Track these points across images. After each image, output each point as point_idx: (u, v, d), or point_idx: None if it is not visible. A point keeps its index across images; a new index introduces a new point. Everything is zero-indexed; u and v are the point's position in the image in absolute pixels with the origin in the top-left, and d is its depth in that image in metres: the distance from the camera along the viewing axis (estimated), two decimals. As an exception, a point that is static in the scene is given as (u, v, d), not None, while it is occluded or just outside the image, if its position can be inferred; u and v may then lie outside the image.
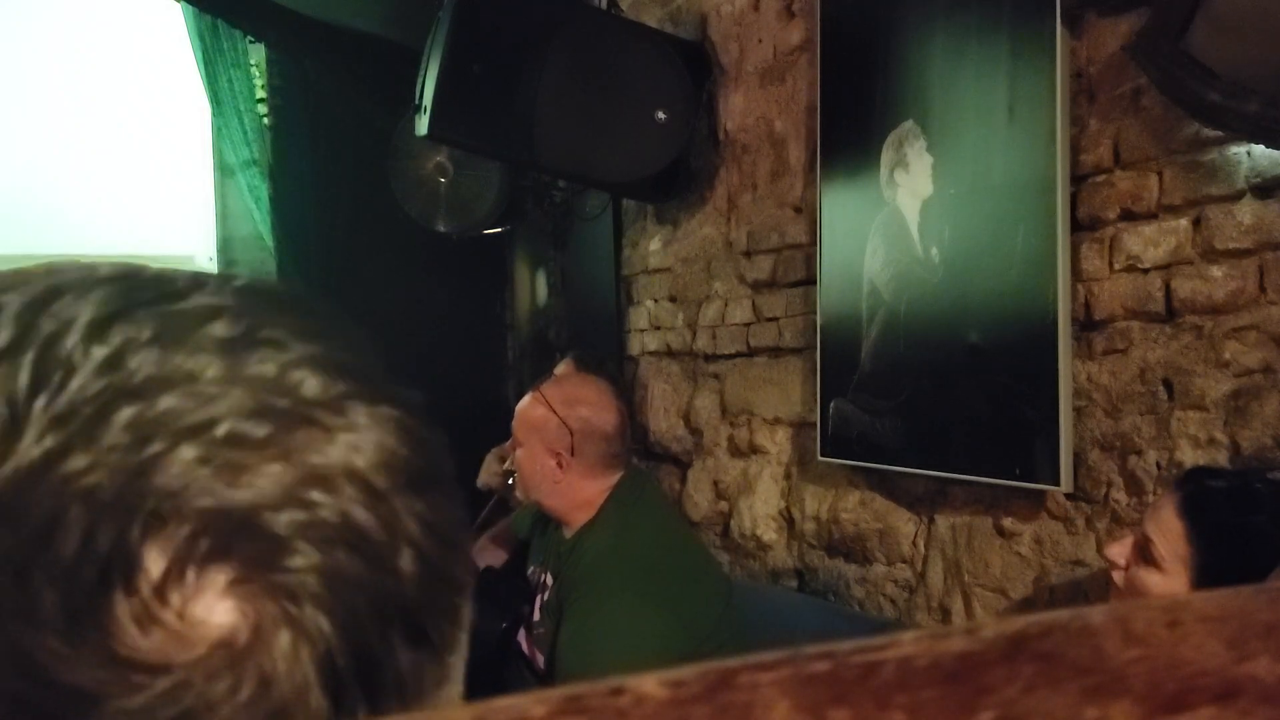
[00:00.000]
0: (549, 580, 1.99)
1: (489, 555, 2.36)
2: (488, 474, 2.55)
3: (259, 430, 0.33)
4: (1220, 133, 1.62)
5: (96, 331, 0.33)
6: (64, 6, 3.68)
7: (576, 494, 1.91)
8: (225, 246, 3.89)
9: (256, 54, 3.78)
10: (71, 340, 0.33)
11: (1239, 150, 1.62)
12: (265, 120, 3.80)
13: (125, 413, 0.32)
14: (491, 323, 4.25)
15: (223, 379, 0.33)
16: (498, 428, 2.03)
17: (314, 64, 3.75)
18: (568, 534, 1.96)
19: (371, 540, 0.34)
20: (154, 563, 0.31)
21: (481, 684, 0.34)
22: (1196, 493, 1.40)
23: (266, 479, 0.32)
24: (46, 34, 3.66)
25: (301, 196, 3.80)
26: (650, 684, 0.22)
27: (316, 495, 0.33)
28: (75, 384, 0.32)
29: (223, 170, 3.86)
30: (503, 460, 2.29)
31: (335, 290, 3.79)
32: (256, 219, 3.82)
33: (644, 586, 1.80)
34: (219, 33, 3.68)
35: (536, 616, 2.00)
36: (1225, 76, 1.51)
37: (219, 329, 0.34)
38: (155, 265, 0.38)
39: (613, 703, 0.21)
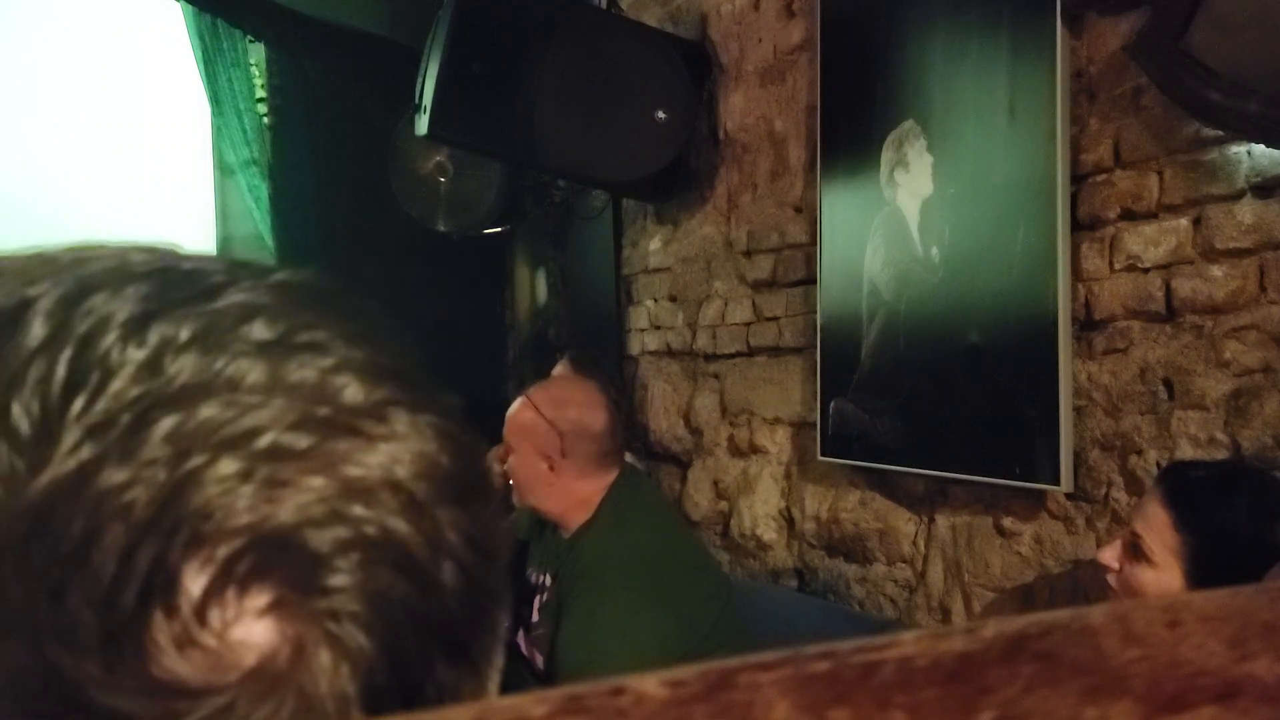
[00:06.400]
0: (548, 581, 1.99)
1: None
2: None
3: (301, 441, 0.32)
4: (1220, 132, 1.62)
5: (134, 331, 0.32)
6: (64, 6, 3.68)
7: (570, 495, 1.91)
8: (225, 246, 3.89)
9: (256, 54, 3.78)
10: (108, 340, 0.31)
11: (1239, 150, 1.62)
12: (265, 120, 3.80)
13: (165, 423, 0.30)
14: (491, 323, 4.24)
15: (263, 386, 0.32)
16: (498, 428, 2.03)
17: (314, 64, 3.75)
18: (565, 535, 1.96)
19: (413, 554, 0.33)
20: (194, 583, 0.30)
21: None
22: (1179, 483, 1.45)
23: (308, 494, 0.31)
24: (47, 34, 3.65)
25: (301, 196, 3.79)
26: (650, 684, 0.22)
27: (358, 510, 0.32)
28: (113, 388, 0.31)
29: (223, 170, 3.86)
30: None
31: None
32: (256, 219, 3.82)
33: (643, 586, 1.80)
34: (219, 32, 3.68)
35: (535, 618, 2.00)
36: (1225, 76, 1.51)
37: (257, 330, 0.33)
38: (188, 253, 0.36)
39: (613, 702, 0.21)
